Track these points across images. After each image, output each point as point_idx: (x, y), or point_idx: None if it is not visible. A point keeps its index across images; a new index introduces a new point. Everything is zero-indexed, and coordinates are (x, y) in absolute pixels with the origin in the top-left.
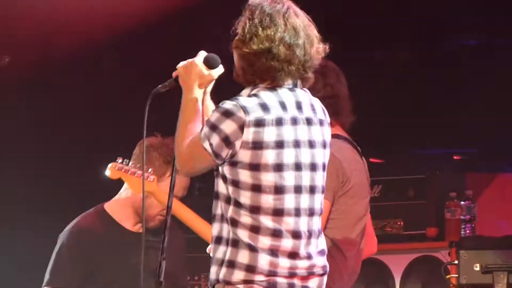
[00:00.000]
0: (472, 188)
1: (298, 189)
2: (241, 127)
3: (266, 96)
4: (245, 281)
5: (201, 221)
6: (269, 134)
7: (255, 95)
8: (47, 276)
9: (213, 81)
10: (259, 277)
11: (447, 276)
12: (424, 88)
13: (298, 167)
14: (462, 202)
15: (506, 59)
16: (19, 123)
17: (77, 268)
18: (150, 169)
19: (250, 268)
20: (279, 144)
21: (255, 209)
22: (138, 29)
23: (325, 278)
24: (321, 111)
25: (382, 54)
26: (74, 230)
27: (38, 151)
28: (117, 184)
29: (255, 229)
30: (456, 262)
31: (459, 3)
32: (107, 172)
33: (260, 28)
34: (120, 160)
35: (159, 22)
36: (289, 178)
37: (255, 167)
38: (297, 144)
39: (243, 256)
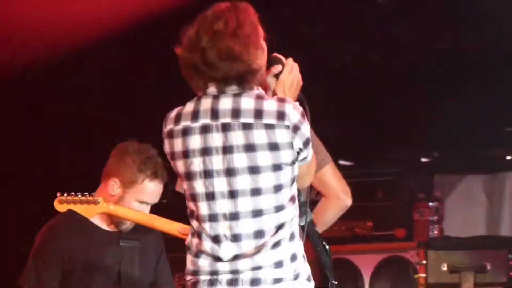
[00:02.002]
0: (440, 189)
1: (209, 196)
2: (163, 139)
3: (187, 106)
4: (185, 280)
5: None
6: (178, 145)
7: (185, 105)
8: (24, 276)
9: None
10: (187, 277)
11: (416, 276)
12: (393, 93)
13: (208, 174)
14: (430, 203)
15: (472, 62)
16: None
17: (54, 267)
18: (92, 194)
19: (185, 268)
20: (186, 154)
21: (189, 214)
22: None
23: (265, 287)
24: (268, 115)
25: (351, 59)
26: (50, 230)
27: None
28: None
29: (192, 233)
30: (424, 262)
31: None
32: (55, 205)
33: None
34: (59, 194)
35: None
36: (198, 186)
37: (180, 176)
38: (205, 151)
39: (187, 257)
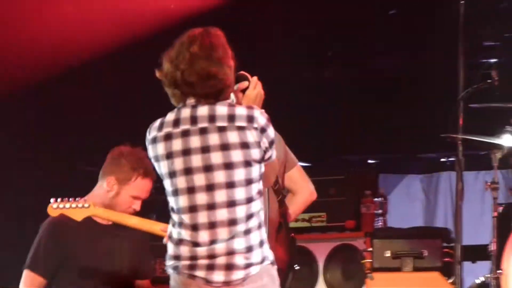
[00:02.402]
0: (384, 187)
1: (190, 190)
2: (148, 145)
3: (168, 116)
4: (166, 265)
5: (139, 220)
6: (161, 148)
7: (166, 116)
8: (28, 261)
9: None
10: (169, 262)
11: (363, 261)
12: (344, 104)
13: (188, 171)
14: (375, 199)
15: (411, 79)
16: None
17: (53, 257)
18: (82, 198)
19: (167, 254)
20: (169, 155)
21: (172, 209)
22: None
23: (237, 272)
24: (239, 119)
25: (310, 72)
26: (52, 223)
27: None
28: (95, 182)
29: (172, 224)
30: (370, 249)
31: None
32: (48, 211)
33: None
34: (53, 201)
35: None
36: (180, 182)
37: (162, 176)
38: (186, 152)
39: (168, 245)
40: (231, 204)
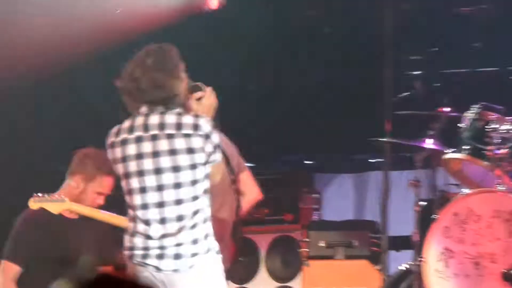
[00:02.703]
0: (319, 184)
1: (142, 190)
2: (107, 149)
3: (125, 123)
4: (123, 254)
5: (106, 214)
6: (118, 152)
7: (123, 123)
8: (5, 251)
9: None
10: (125, 252)
11: (300, 250)
12: (285, 111)
13: (140, 173)
14: (312, 195)
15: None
16: None
17: (28, 247)
18: (61, 194)
19: (124, 245)
20: (124, 159)
21: (127, 205)
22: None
23: (184, 260)
24: (186, 127)
25: (254, 83)
26: (26, 215)
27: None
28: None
29: (129, 219)
30: (307, 239)
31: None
32: (29, 204)
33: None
34: (34, 195)
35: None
36: (134, 183)
37: (120, 177)
38: (139, 156)
39: (125, 237)
40: (179, 202)
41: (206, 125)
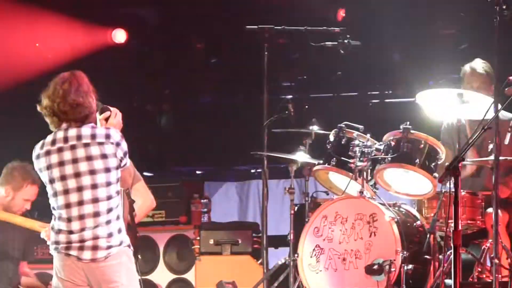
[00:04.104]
0: (209, 191)
1: (65, 191)
2: (33, 160)
3: (48, 137)
4: (50, 249)
5: (25, 220)
6: (43, 162)
7: (46, 137)
8: None
9: None
10: (51, 246)
11: (193, 247)
12: (180, 129)
13: (63, 178)
14: (202, 200)
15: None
16: None
17: None
18: None
19: (50, 241)
20: (49, 167)
21: (53, 208)
22: None
23: (100, 251)
24: (99, 137)
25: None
26: None
27: None
28: None
29: (54, 218)
30: (198, 238)
31: None
32: None
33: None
34: None
35: None
36: (58, 186)
37: (45, 183)
38: (61, 163)
39: (51, 234)
40: (95, 200)
41: (116, 134)
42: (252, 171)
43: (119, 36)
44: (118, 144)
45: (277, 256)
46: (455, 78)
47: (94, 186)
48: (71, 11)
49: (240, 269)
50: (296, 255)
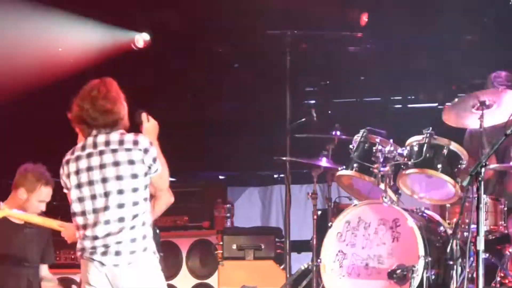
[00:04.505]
0: (232, 196)
1: (93, 197)
2: (63, 166)
3: (78, 144)
4: (76, 254)
5: (40, 219)
6: (73, 167)
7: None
8: None
9: None
10: (77, 253)
11: (216, 252)
12: (195, 134)
13: (91, 183)
14: (225, 205)
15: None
16: None
17: None
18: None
19: (77, 247)
20: (77, 172)
21: (74, 214)
22: None
23: (123, 257)
24: (127, 143)
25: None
26: None
27: None
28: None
29: (77, 227)
30: (221, 243)
31: None
32: None
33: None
34: None
35: None
36: (85, 192)
37: (71, 188)
38: (89, 169)
39: (78, 241)
40: (121, 206)
41: (144, 141)
42: (275, 176)
43: (141, 40)
44: (146, 151)
45: (300, 261)
46: (478, 83)
47: (120, 192)
48: (93, 15)
49: (263, 274)
50: (319, 260)
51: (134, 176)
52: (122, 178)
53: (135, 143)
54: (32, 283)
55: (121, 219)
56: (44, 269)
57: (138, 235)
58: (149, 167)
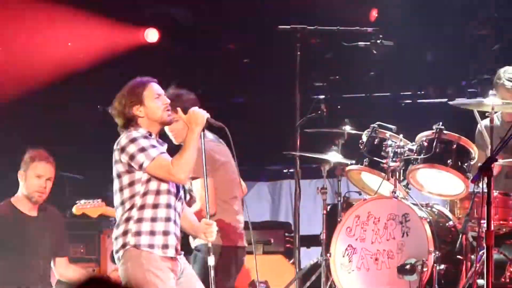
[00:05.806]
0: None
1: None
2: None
3: None
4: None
5: None
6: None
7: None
8: None
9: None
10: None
11: None
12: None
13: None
14: None
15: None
16: None
17: None
18: (99, 200)
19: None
20: None
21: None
22: None
23: (117, 254)
24: (115, 145)
25: None
26: None
27: None
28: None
29: None
30: None
31: None
32: (73, 210)
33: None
34: (78, 201)
35: None
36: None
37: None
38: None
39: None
40: (116, 206)
41: (122, 139)
42: (285, 171)
43: (152, 35)
44: (123, 149)
45: (309, 256)
46: (487, 79)
47: (115, 192)
48: (103, 10)
49: (272, 269)
50: (328, 254)
51: (118, 175)
52: (116, 178)
53: (117, 143)
54: (43, 277)
55: (117, 218)
56: (62, 264)
57: (119, 233)
58: (129, 165)
